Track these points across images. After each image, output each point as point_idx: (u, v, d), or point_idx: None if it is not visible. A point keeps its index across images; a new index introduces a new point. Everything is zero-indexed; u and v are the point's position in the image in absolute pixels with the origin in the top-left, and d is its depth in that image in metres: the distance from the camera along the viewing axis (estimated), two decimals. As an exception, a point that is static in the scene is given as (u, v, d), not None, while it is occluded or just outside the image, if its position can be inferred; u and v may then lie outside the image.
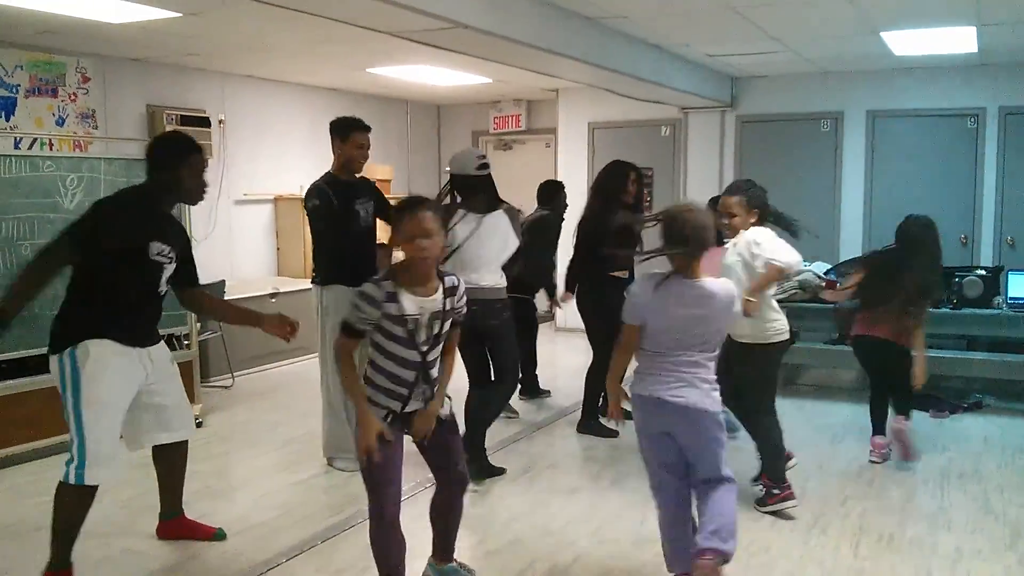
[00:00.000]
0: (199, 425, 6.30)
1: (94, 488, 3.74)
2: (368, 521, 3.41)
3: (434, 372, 3.41)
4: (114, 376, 3.73)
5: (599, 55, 6.59)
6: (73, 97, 7.33)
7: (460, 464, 3.61)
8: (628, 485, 5.10)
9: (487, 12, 5.20)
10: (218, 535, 4.35)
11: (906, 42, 7.19)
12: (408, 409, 3.38)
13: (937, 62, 8.22)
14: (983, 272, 7.02)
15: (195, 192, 3.97)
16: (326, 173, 5.35)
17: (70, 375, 3.70)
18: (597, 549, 4.22)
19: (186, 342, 6.56)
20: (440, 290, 3.34)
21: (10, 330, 3.73)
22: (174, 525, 4.36)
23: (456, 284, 3.42)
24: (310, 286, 5.44)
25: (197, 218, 7.03)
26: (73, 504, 3.75)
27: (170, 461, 4.25)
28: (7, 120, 6.87)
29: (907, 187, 8.79)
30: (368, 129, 5.32)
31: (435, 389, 3.43)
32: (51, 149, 6.96)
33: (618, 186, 6.02)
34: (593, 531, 4.44)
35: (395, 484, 3.40)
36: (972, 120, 8.55)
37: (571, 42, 6.18)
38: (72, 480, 3.68)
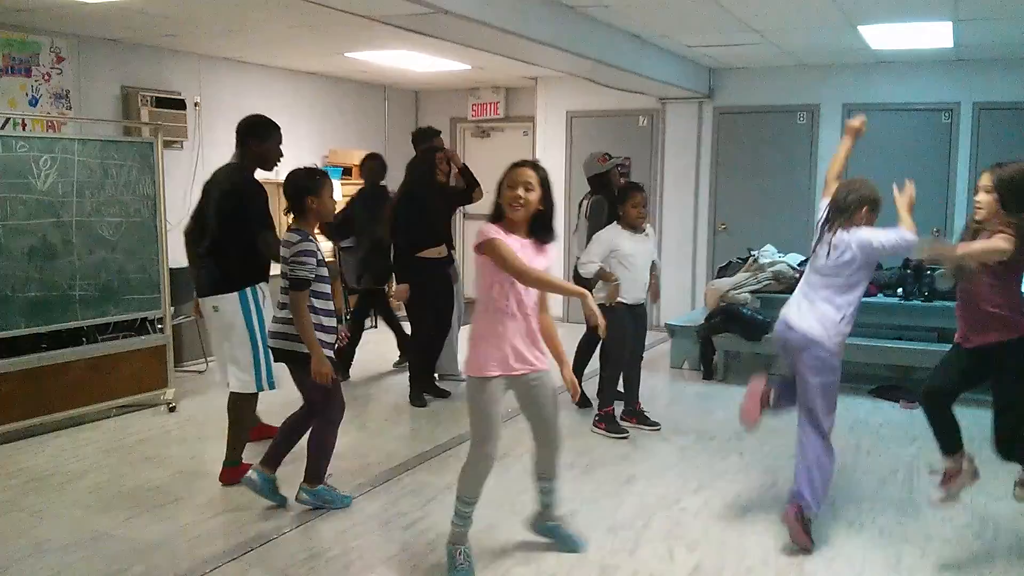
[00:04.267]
0: (172, 410, 6.29)
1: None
2: (323, 424, 4.40)
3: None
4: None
5: (578, 44, 6.59)
6: (47, 77, 7.24)
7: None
8: (600, 474, 5.14)
9: (468, -2, 5.18)
10: None
11: (883, 36, 7.24)
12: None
13: (913, 57, 8.29)
14: (955, 265, 7.10)
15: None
16: None
17: (254, 308, 4.80)
18: (571, 535, 4.24)
19: (159, 326, 6.53)
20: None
21: None
22: (258, 429, 5.26)
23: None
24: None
25: (173, 203, 6.97)
26: (247, 408, 4.88)
27: None
28: (-21, 99, 6.78)
29: (881, 180, 8.72)
30: None
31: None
32: (24, 129, 6.88)
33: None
34: (567, 517, 4.46)
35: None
36: (947, 115, 8.63)
37: (551, 30, 6.18)
38: (252, 389, 4.79)
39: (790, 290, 7.10)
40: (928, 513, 4.56)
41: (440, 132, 7.40)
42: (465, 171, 6.80)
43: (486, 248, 3.49)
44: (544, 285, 3.55)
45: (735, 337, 7.31)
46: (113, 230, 6.10)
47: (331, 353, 4.34)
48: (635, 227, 5.83)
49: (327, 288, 4.30)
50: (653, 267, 6.01)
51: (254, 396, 4.89)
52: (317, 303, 4.25)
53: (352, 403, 6.62)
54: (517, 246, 3.52)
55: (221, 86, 8.83)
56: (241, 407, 4.84)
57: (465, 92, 11.34)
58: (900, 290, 7.17)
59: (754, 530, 4.31)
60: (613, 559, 3.97)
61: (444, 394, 6.77)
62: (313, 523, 4.36)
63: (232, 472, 4.76)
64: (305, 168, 4.37)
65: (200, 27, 7.23)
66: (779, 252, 7.93)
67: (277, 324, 4.36)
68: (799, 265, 7.47)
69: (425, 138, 7.09)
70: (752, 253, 7.97)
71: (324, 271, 4.27)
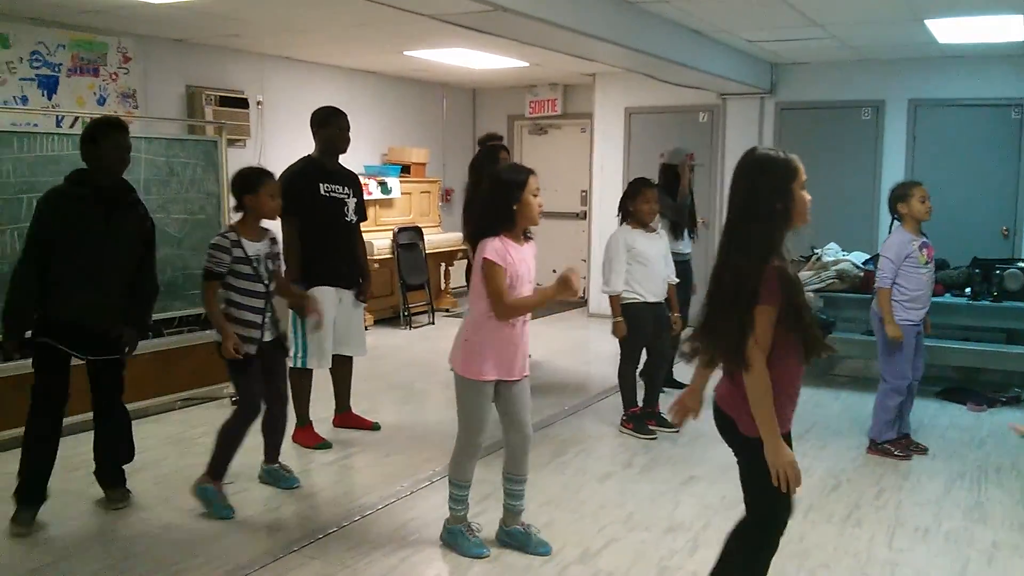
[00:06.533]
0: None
1: (311, 371, 5.44)
2: (233, 421, 4.45)
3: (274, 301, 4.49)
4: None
5: (637, 39, 6.55)
6: (114, 77, 7.40)
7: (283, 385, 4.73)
8: (659, 473, 5.10)
9: (527, -5, 5.18)
10: (375, 426, 5.84)
11: (951, 30, 7.07)
12: (265, 339, 4.42)
13: (982, 51, 8.08)
14: (1024, 265, 6.92)
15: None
16: None
17: None
18: (628, 535, 4.22)
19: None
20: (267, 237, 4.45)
21: None
22: (344, 417, 5.86)
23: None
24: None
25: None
26: (302, 379, 5.42)
27: (342, 370, 5.73)
28: (49, 99, 6.94)
29: (948, 177, 8.65)
30: None
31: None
32: (92, 128, 7.02)
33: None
34: (625, 517, 4.44)
35: (259, 389, 4.47)
36: (1016, 110, 8.40)
37: (610, 25, 6.14)
38: (299, 364, 5.34)
39: (854, 289, 7.09)
40: (996, 519, 4.45)
41: (502, 137, 7.38)
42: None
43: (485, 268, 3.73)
44: (517, 311, 3.81)
45: (797, 337, 7.17)
46: (179, 227, 6.21)
47: (253, 349, 4.38)
48: (646, 224, 5.74)
49: (245, 284, 4.33)
50: (669, 278, 5.91)
51: (306, 371, 5.44)
52: (237, 297, 4.35)
53: (412, 397, 6.68)
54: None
55: (283, 85, 8.94)
56: (292, 379, 5.27)
57: (523, 89, 11.35)
58: (968, 290, 6.99)
59: (816, 532, 4.25)
60: (672, 560, 3.94)
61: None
62: (374, 516, 4.39)
63: (300, 432, 5.51)
64: (248, 167, 4.58)
65: (262, 27, 7.33)
66: (842, 251, 7.78)
67: None
68: (864, 264, 7.32)
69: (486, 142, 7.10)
70: (815, 251, 7.83)
71: (245, 268, 4.32)
